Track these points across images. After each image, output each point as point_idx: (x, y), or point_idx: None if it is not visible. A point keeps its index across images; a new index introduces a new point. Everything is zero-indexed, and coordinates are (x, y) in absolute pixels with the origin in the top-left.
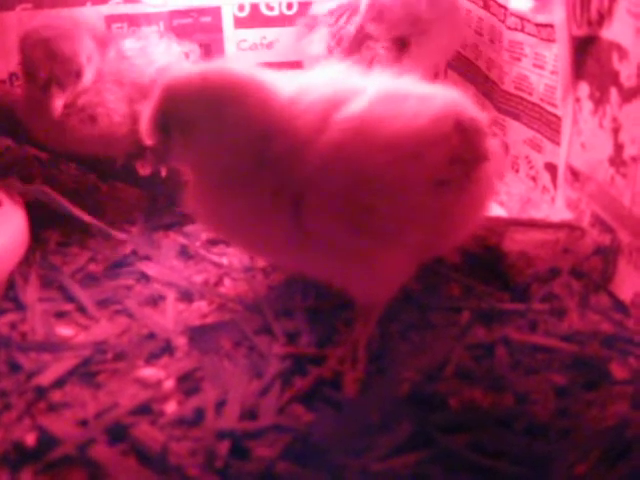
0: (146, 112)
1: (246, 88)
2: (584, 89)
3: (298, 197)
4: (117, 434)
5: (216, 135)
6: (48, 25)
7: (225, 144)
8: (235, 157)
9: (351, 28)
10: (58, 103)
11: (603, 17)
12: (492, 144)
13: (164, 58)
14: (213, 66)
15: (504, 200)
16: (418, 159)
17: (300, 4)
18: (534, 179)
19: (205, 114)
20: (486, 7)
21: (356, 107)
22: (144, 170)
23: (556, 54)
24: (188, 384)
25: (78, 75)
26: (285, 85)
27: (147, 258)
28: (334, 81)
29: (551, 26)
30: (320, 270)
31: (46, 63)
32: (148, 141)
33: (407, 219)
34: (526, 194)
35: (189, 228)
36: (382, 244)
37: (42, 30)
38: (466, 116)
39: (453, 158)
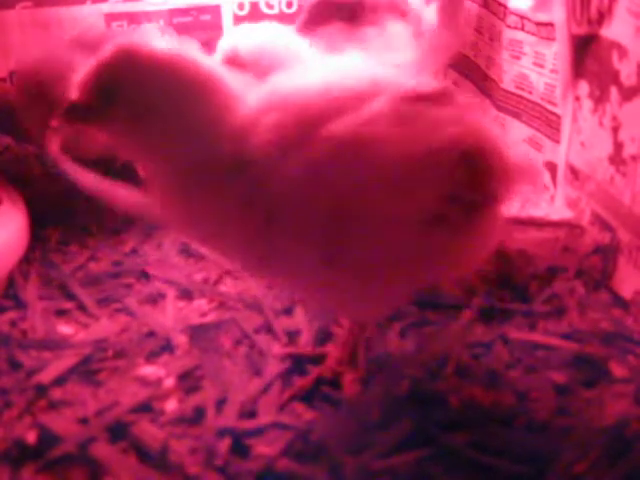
0: (93, 66)
1: (215, 83)
2: (584, 88)
3: (269, 212)
4: (117, 432)
5: (176, 127)
6: (42, 65)
7: (184, 139)
8: (197, 156)
9: None
10: (54, 147)
11: (603, 16)
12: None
13: None
14: (184, 50)
15: None
16: (408, 194)
17: (300, 2)
18: None
19: (170, 100)
20: (486, 5)
21: (347, 123)
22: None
23: (556, 53)
24: (188, 382)
25: None
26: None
27: (147, 256)
28: (329, 83)
29: (551, 25)
30: (293, 287)
31: (40, 110)
32: (75, 96)
33: (389, 256)
34: (526, 193)
35: None
36: (357, 278)
37: (36, 72)
38: (478, 151)
39: (452, 196)
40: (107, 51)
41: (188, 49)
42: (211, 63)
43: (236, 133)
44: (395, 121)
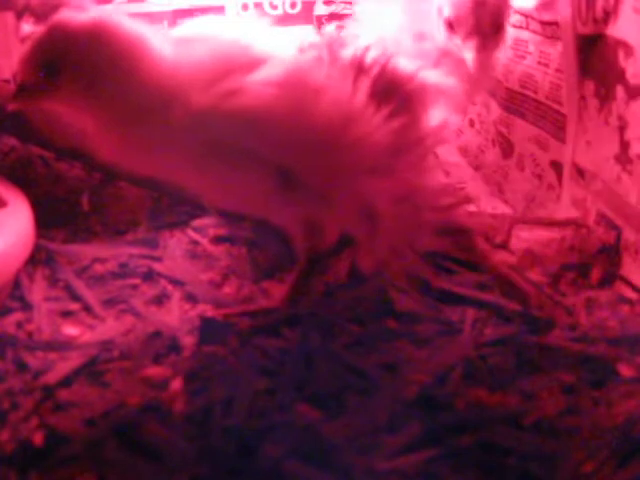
0: (32, 47)
1: (138, 41)
2: (589, 87)
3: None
4: (125, 433)
5: (112, 84)
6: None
7: (120, 92)
8: (132, 104)
9: None
10: None
11: (609, 14)
12: None
13: None
14: (109, 16)
15: (509, 198)
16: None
17: (304, 3)
18: (539, 177)
19: (103, 62)
20: None
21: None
22: None
23: (561, 52)
24: (195, 383)
25: None
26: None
27: (152, 257)
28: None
29: (556, 24)
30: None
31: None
32: (23, 77)
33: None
34: (531, 192)
35: (194, 227)
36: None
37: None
38: None
39: None
40: (41, 30)
41: (113, 15)
42: (132, 24)
43: (161, 81)
44: None
